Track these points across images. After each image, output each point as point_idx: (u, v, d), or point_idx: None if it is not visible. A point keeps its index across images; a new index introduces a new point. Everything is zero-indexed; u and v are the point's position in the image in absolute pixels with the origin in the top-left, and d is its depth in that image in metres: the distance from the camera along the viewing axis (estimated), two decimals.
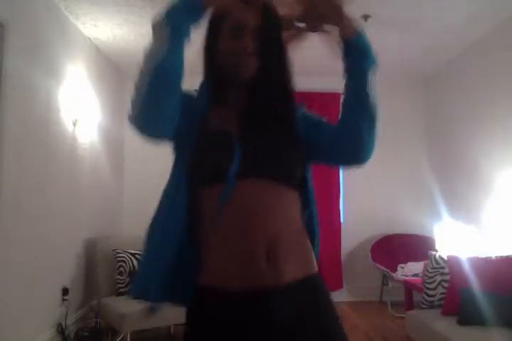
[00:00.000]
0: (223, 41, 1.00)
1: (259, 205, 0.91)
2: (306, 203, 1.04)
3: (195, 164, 0.92)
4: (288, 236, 0.93)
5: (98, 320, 3.29)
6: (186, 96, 1.00)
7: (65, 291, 3.12)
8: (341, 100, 1.08)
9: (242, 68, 0.98)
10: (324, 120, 1.11)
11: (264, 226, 0.90)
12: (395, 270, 4.06)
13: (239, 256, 0.90)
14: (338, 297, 4.49)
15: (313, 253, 1.01)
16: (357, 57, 1.02)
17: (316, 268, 1.01)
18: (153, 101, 0.89)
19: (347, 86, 1.05)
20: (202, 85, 1.06)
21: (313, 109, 4.20)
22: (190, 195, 0.93)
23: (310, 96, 4.43)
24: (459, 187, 4.05)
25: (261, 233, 0.90)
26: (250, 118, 1.00)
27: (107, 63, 4.11)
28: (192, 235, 0.93)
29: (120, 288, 3.25)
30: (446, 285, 2.91)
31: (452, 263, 2.89)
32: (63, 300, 3.09)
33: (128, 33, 3.57)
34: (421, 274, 3.41)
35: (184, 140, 0.96)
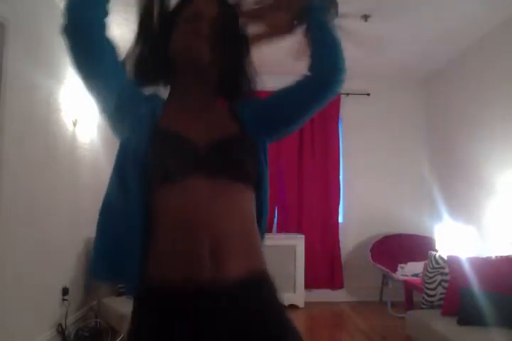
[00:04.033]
0: (178, 28, 1.01)
1: (205, 203, 0.90)
2: (260, 201, 1.01)
3: (149, 164, 0.90)
4: (234, 234, 0.91)
5: (98, 320, 3.29)
6: (136, 88, 1.02)
7: (65, 291, 3.12)
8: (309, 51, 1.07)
9: (193, 50, 0.98)
10: (276, 92, 1.08)
11: (209, 224, 0.89)
12: (395, 270, 4.06)
13: (182, 255, 0.89)
14: (338, 297, 4.50)
15: (262, 251, 0.99)
16: (313, 17, 1.05)
17: (264, 266, 0.99)
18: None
19: (311, 39, 1.05)
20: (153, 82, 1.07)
21: None
22: (143, 190, 0.92)
23: None
24: (458, 187, 4.05)
25: (205, 231, 0.89)
26: (200, 115, 1.01)
27: None
28: (144, 227, 0.92)
29: (120, 288, 3.25)
30: (446, 285, 2.91)
31: (452, 263, 2.89)
32: (63, 300, 3.09)
33: (128, 33, 3.56)
34: (421, 274, 3.41)
35: (134, 134, 0.95)
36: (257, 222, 1.00)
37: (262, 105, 1.08)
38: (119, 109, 0.98)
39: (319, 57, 1.04)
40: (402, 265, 4.06)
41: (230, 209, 0.92)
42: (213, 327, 0.87)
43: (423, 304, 3.03)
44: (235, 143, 0.98)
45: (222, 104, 1.08)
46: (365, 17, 3.23)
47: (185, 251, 0.89)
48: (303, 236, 4.32)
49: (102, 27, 0.98)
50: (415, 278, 3.73)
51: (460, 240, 3.52)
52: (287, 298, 4.24)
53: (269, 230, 4.42)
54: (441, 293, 2.94)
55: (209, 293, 0.88)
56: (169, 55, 1.02)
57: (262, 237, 1.02)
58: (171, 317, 0.88)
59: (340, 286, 4.51)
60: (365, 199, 4.70)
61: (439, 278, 3.00)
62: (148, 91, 1.06)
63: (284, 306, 0.99)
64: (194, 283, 0.88)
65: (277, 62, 4.17)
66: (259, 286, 0.96)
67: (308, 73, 1.04)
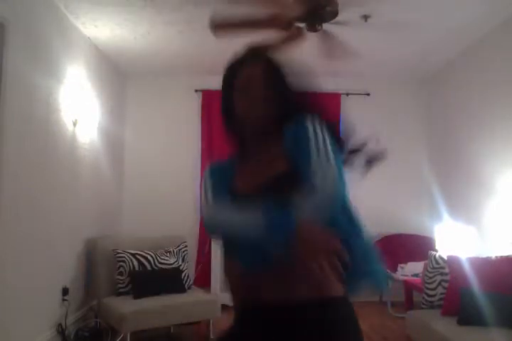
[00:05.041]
0: (235, 97, 1.14)
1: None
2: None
3: None
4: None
5: (98, 320, 3.29)
6: (218, 170, 1.20)
7: (65, 291, 3.12)
8: None
9: (251, 117, 1.12)
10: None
11: None
12: (395, 270, 4.06)
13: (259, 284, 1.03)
14: None
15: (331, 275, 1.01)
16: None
17: (336, 290, 1.04)
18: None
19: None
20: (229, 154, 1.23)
21: None
22: None
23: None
24: (458, 187, 4.05)
25: None
26: (263, 164, 1.11)
27: (106, 63, 4.10)
28: None
29: (120, 288, 3.25)
30: (446, 285, 2.91)
31: (452, 263, 2.89)
32: (63, 300, 3.09)
33: (128, 33, 3.57)
34: (421, 274, 3.41)
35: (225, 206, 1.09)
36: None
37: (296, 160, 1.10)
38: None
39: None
40: (402, 265, 4.05)
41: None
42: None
43: (423, 304, 3.03)
44: (276, 180, 1.05)
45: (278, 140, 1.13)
46: (365, 17, 3.23)
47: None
48: None
49: None
50: (415, 278, 3.73)
51: (460, 240, 3.52)
52: None
53: None
54: (441, 293, 2.94)
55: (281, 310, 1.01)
56: (235, 123, 1.17)
57: (357, 259, 1.06)
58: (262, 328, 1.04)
59: None
60: (365, 199, 4.68)
61: (439, 278, 3.00)
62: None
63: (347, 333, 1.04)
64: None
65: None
66: (323, 310, 1.02)
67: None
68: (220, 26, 2.59)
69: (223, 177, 1.16)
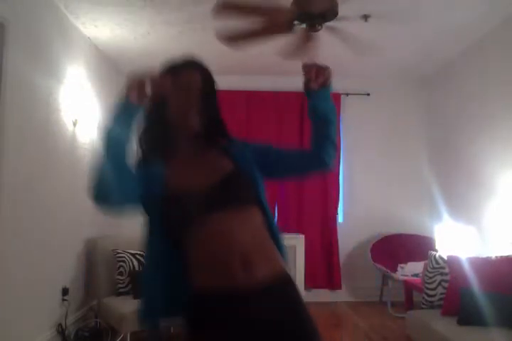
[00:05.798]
0: (172, 98, 1.19)
1: (226, 229, 1.12)
2: (265, 214, 1.22)
3: (167, 219, 1.14)
4: (255, 246, 1.14)
5: (98, 320, 3.29)
6: (137, 168, 1.22)
7: (65, 291, 3.12)
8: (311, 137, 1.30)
9: (188, 119, 1.19)
10: (271, 146, 1.34)
11: (234, 243, 1.11)
12: (395, 270, 4.06)
13: (219, 270, 1.11)
14: (338, 297, 4.50)
15: (279, 255, 1.20)
16: (322, 104, 1.27)
17: (285, 267, 1.19)
18: (103, 175, 1.10)
19: (314, 127, 1.29)
20: (148, 150, 1.25)
21: None
22: (172, 240, 1.15)
23: None
24: (459, 187, 4.05)
25: (232, 250, 1.11)
26: (198, 165, 1.22)
27: (107, 63, 4.10)
28: (181, 265, 1.15)
29: (120, 288, 3.25)
30: (446, 285, 2.91)
31: (452, 263, 2.89)
32: (63, 300, 3.09)
33: (128, 33, 3.57)
34: (421, 274, 3.41)
35: (152, 201, 1.15)
36: (269, 229, 1.21)
37: (255, 148, 1.30)
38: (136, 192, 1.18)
39: (323, 137, 1.27)
40: (402, 265, 4.06)
41: (245, 228, 1.14)
42: (246, 324, 1.09)
43: (423, 304, 3.03)
44: (229, 176, 1.19)
45: (213, 148, 1.27)
46: (365, 17, 3.23)
47: (220, 269, 1.11)
48: (303, 236, 4.32)
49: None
50: (415, 278, 3.73)
51: (460, 240, 3.52)
52: None
53: None
54: (441, 293, 2.94)
55: (242, 296, 1.10)
56: (167, 121, 1.22)
57: (278, 240, 1.23)
58: (215, 317, 1.11)
59: (338, 287, 4.50)
60: (365, 200, 4.69)
61: (439, 278, 3.00)
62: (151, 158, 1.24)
63: (305, 304, 1.18)
64: (232, 290, 1.10)
65: (270, 63, 4.20)
66: (283, 287, 1.17)
67: (311, 148, 1.29)
68: (230, 39, 2.63)
69: (150, 171, 1.20)
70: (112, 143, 1.13)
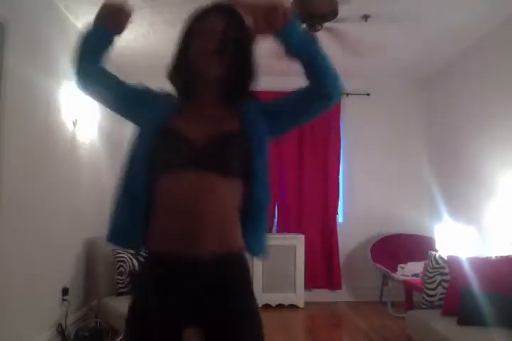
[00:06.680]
0: (193, 44, 1.18)
1: (196, 191, 1.09)
2: (248, 188, 1.17)
3: (151, 155, 1.13)
4: (211, 219, 1.10)
5: (98, 320, 3.29)
6: (150, 92, 1.26)
7: (65, 291, 3.12)
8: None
9: (203, 66, 1.15)
10: (281, 97, 1.25)
11: (195, 210, 1.09)
12: (395, 270, 4.06)
13: (171, 230, 1.11)
14: (338, 297, 4.50)
15: (239, 232, 1.16)
16: (294, 42, 1.14)
17: (241, 245, 1.16)
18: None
19: (302, 66, 1.17)
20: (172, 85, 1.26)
21: None
22: (148, 176, 1.14)
23: None
24: (459, 187, 4.05)
25: (192, 216, 1.09)
26: (207, 118, 1.18)
27: (106, 63, 4.10)
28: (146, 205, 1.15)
29: (120, 288, 3.25)
30: (446, 285, 2.91)
31: (452, 263, 2.89)
32: (63, 300, 3.09)
33: (128, 33, 3.56)
34: (421, 274, 3.41)
35: (146, 127, 1.19)
36: (246, 208, 1.17)
37: (265, 107, 1.23)
38: (127, 101, 1.29)
39: (317, 72, 1.17)
40: (402, 265, 4.06)
41: (211, 198, 1.10)
42: (188, 287, 1.10)
43: (423, 304, 3.03)
44: (228, 139, 1.15)
45: (229, 106, 1.22)
46: (365, 17, 3.23)
47: (171, 229, 1.11)
48: (303, 236, 4.33)
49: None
50: (415, 278, 3.73)
51: (460, 240, 3.52)
52: (287, 297, 4.24)
53: (269, 230, 4.42)
54: (441, 293, 2.94)
55: (187, 263, 1.10)
56: (189, 63, 1.18)
57: (257, 223, 1.20)
58: (163, 275, 1.13)
59: (338, 287, 4.50)
60: (365, 199, 4.69)
61: (439, 278, 3.00)
62: (163, 91, 1.27)
63: (250, 284, 1.19)
64: (175, 255, 1.10)
65: (269, 63, 4.18)
66: (229, 264, 1.14)
67: (309, 86, 1.18)
68: None
69: (156, 101, 1.23)
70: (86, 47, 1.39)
